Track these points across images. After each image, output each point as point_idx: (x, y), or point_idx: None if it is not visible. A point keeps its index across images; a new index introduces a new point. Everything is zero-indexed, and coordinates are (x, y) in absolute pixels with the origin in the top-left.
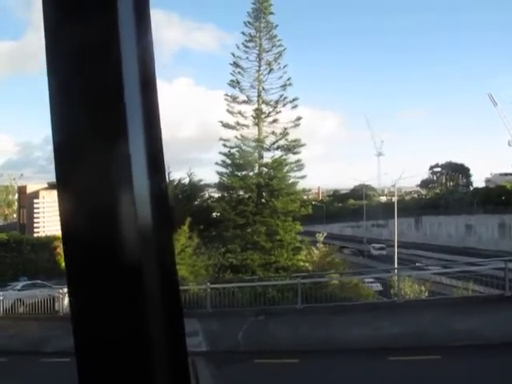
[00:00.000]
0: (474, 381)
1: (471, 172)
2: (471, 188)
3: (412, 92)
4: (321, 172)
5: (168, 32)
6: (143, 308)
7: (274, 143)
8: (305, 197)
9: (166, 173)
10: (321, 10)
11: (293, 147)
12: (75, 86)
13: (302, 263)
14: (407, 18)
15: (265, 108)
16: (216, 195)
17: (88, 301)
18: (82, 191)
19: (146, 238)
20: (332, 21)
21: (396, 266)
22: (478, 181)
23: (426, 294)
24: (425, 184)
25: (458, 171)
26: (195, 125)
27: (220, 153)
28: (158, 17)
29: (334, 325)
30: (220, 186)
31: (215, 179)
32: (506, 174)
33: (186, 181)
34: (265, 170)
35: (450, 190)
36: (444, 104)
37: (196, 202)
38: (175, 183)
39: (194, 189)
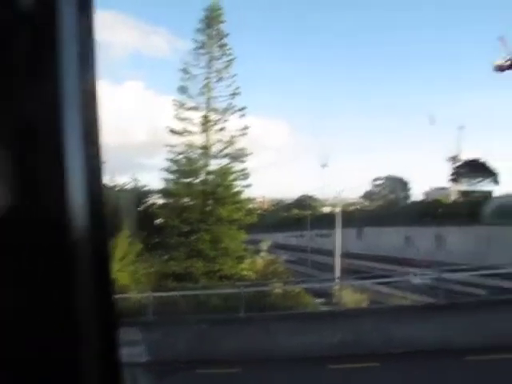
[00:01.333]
0: None
1: (410, 185)
2: (410, 201)
3: (359, 107)
4: (266, 181)
5: (124, 33)
6: (75, 318)
7: (220, 151)
8: (250, 205)
9: (110, 177)
10: (270, 19)
11: (239, 156)
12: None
13: (245, 272)
14: (358, 31)
15: (213, 116)
16: (161, 202)
17: (14, 311)
18: (12, 194)
19: (80, 244)
20: (283, 32)
21: (337, 275)
22: (417, 194)
23: (367, 303)
24: (367, 196)
25: (398, 184)
26: (144, 129)
27: (166, 159)
28: (114, 17)
29: (277, 334)
30: (165, 193)
31: (161, 185)
32: (442, 188)
33: (130, 186)
34: (211, 177)
35: (390, 202)
36: (386, 117)
37: (140, 208)
38: (118, 188)
39: (137, 194)
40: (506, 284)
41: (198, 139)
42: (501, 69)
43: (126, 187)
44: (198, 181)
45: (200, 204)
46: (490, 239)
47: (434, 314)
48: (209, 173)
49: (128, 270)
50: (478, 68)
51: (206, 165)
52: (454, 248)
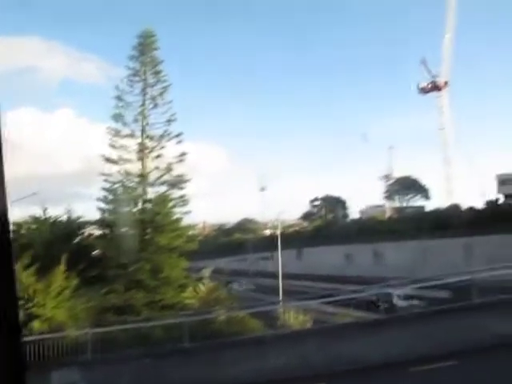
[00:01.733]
0: None
1: (347, 204)
2: (348, 219)
3: (295, 130)
4: (206, 207)
5: (52, 60)
6: None
7: (158, 178)
8: (190, 232)
9: (42, 209)
10: (204, 47)
11: (177, 182)
12: None
13: (188, 300)
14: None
15: (149, 143)
16: (98, 232)
17: None
18: None
19: None
20: (217, 57)
21: (281, 297)
22: (354, 212)
23: (311, 324)
24: (306, 216)
25: (335, 204)
26: (77, 158)
27: (102, 188)
28: (41, 44)
29: (222, 361)
30: (102, 223)
31: (97, 216)
32: (378, 206)
33: (64, 218)
34: (149, 205)
35: (329, 222)
36: (321, 139)
37: (75, 241)
38: (52, 221)
39: (72, 226)
40: (443, 294)
41: (135, 167)
42: (424, 91)
43: (60, 219)
44: (135, 209)
45: (139, 233)
46: (425, 252)
47: (377, 329)
48: (147, 201)
49: (64, 306)
50: (405, 90)
51: (144, 193)
52: (392, 263)
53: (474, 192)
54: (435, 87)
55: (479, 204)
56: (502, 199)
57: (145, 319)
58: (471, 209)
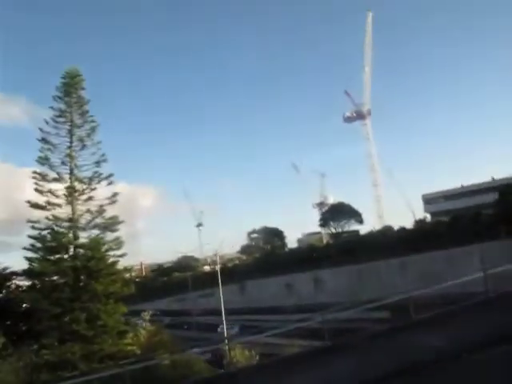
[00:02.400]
0: None
1: (285, 234)
2: (286, 249)
3: (228, 163)
4: (143, 247)
5: None
6: None
7: (89, 222)
8: (127, 275)
9: None
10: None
11: (110, 225)
12: None
13: (129, 347)
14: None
15: (78, 185)
16: (26, 284)
17: None
18: None
19: None
20: (143, 98)
21: (226, 334)
22: (291, 242)
23: (257, 358)
24: (244, 249)
25: (272, 235)
26: (2, 205)
27: (29, 236)
28: None
29: None
30: (30, 273)
31: (25, 265)
32: (314, 233)
33: None
34: (81, 251)
35: (267, 253)
36: (256, 173)
37: (1, 294)
38: None
39: None
40: (382, 314)
41: (64, 212)
42: (349, 120)
43: None
44: (66, 256)
45: (71, 281)
46: (363, 274)
47: (325, 356)
48: (79, 246)
49: None
50: (334, 120)
51: (76, 238)
52: (333, 289)
53: (403, 212)
54: (360, 116)
55: (409, 223)
56: (428, 217)
57: (82, 373)
58: (402, 229)
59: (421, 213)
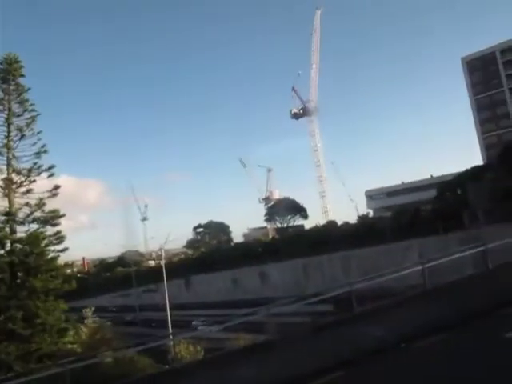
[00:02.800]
0: None
1: (230, 229)
2: (232, 244)
3: (174, 157)
4: (85, 241)
5: None
6: None
7: (28, 216)
8: (69, 270)
9: None
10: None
11: (51, 219)
12: None
13: (69, 346)
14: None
15: (16, 177)
16: None
17: None
18: None
19: None
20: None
21: (170, 329)
22: (237, 236)
23: (202, 353)
24: (190, 244)
25: (218, 229)
26: None
27: None
28: None
29: None
30: None
31: None
32: (260, 228)
33: None
34: (19, 246)
35: (213, 248)
36: (203, 167)
37: None
38: None
39: None
40: (327, 307)
41: (0, 205)
42: (296, 116)
43: None
44: (3, 251)
45: (8, 277)
46: (308, 268)
47: (270, 349)
48: (16, 241)
49: None
50: (281, 116)
51: (13, 232)
52: (278, 283)
53: (347, 207)
54: (306, 112)
55: (352, 219)
56: (371, 213)
57: (18, 375)
58: (346, 224)
59: (364, 208)
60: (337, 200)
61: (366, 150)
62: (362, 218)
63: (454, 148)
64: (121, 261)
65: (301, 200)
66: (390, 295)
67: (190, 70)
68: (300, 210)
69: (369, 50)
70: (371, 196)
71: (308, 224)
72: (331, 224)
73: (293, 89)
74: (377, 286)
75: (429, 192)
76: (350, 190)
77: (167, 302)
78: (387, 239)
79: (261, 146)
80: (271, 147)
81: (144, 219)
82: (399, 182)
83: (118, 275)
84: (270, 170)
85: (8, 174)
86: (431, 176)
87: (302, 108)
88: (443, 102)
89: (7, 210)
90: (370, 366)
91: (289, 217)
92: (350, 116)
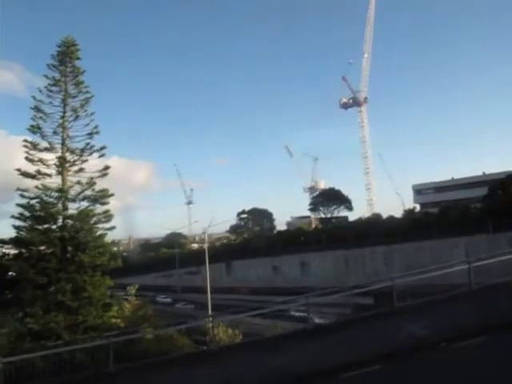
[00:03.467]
0: None
1: (274, 216)
2: (275, 231)
3: (221, 142)
4: (132, 221)
5: None
6: None
7: (79, 194)
8: (115, 248)
9: None
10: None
11: (100, 197)
12: None
13: (113, 320)
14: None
15: (69, 156)
16: (13, 252)
17: None
18: None
19: None
20: (140, 73)
21: (210, 312)
22: (281, 224)
23: (240, 337)
24: (233, 229)
25: (262, 216)
26: None
27: (17, 204)
28: None
29: (150, 383)
30: (17, 242)
31: (13, 234)
32: (303, 217)
33: None
34: (70, 222)
35: (256, 234)
36: (250, 154)
37: None
38: None
39: None
40: (365, 301)
41: (54, 182)
42: (345, 106)
43: None
44: (55, 227)
45: (58, 252)
46: (349, 261)
47: (306, 338)
48: (67, 217)
49: None
50: (329, 106)
51: (65, 209)
52: (318, 272)
53: (393, 201)
54: (356, 102)
55: (398, 213)
56: (418, 208)
57: (66, 343)
58: (391, 218)
59: (410, 203)
60: (383, 193)
61: (416, 144)
62: (408, 213)
63: (508, 146)
64: (165, 242)
65: (346, 191)
66: (433, 293)
67: (241, 56)
68: (345, 201)
69: (423, 47)
70: (419, 190)
71: (352, 216)
72: (376, 217)
73: (343, 78)
74: (419, 283)
75: (480, 189)
76: (396, 183)
77: (208, 284)
78: (433, 235)
79: (308, 135)
80: (318, 136)
81: (189, 203)
82: (449, 178)
83: (161, 256)
84: (316, 160)
85: (62, 152)
86: (483, 173)
87: (351, 98)
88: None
89: (60, 187)
90: (407, 362)
91: (333, 207)
92: (401, 110)
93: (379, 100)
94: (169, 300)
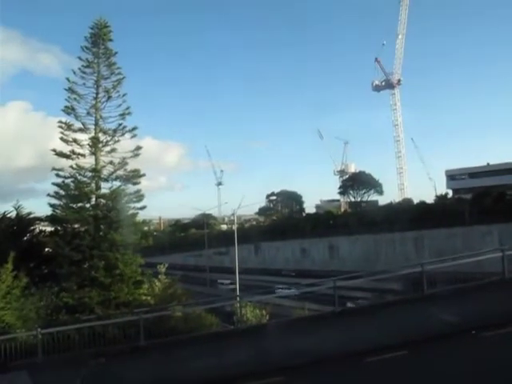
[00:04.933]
0: None
1: (303, 199)
2: (304, 214)
3: (251, 124)
4: (162, 202)
5: (7, 50)
6: None
7: (112, 173)
8: (146, 228)
9: None
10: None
11: (132, 177)
12: None
13: (143, 297)
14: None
15: (102, 137)
16: (49, 229)
17: None
18: None
19: None
20: (174, 53)
21: (238, 292)
22: (310, 207)
23: (267, 318)
24: (263, 211)
25: (291, 199)
26: (33, 152)
27: (53, 183)
28: None
29: (179, 359)
30: (53, 220)
31: (49, 212)
32: (333, 200)
33: (13, 214)
34: (102, 201)
35: (285, 217)
36: (280, 137)
37: (25, 238)
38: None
39: (22, 223)
40: (394, 286)
41: (88, 162)
42: (378, 88)
43: (9, 215)
44: (88, 205)
45: (92, 229)
46: (378, 245)
47: (333, 321)
48: (100, 196)
49: (13, 306)
50: (361, 88)
51: (98, 188)
52: (346, 256)
53: (425, 186)
54: (388, 85)
55: (430, 198)
56: (450, 194)
57: (99, 318)
58: (422, 203)
59: (443, 188)
60: (414, 178)
61: (450, 128)
62: (440, 198)
63: None
64: (195, 222)
65: (377, 175)
66: (464, 280)
67: (277, 38)
68: (375, 186)
69: (458, 29)
70: (452, 176)
71: (382, 200)
72: (407, 202)
73: (376, 60)
74: (450, 269)
75: None
76: (429, 168)
77: (236, 265)
78: (465, 222)
79: (339, 118)
80: (350, 119)
81: (219, 184)
82: (484, 163)
83: (191, 236)
84: (346, 143)
85: (95, 133)
86: None
87: (384, 80)
88: None
89: (93, 166)
90: (435, 348)
91: (363, 191)
92: (435, 93)
93: (413, 82)
94: (231, 286)
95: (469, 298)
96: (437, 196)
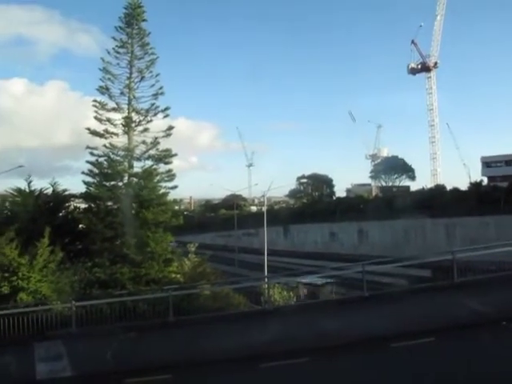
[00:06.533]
0: (339, 380)
1: (334, 183)
2: (334, 197)
3: (283, 106)
4: (193, 182)
5: (49, 30)
6: None
7: (144, 153)
8: (176, 207)
9: (27, 181)
10: (195, 21)
11: (164, 157)
12: None
13: (173, 275)
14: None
15: (135, 116)
16: (83, 206)
17: None
18: None
19: None
20: (206, 34)
21: (266, 273)
22: (340, 191)
23: (295, 300)
24: (292, 194)
25: (322, 182)
26: (69, 131)
27: (87, 161)
28: (40, 13)
29: (207, 336)
30: (87, 197)
31: (83, 189)
32: (364, 185)
33: (50, 191)
34: (135, 180)
35: (315, 200)
36: (312, 119)
37: (60, 214)
38: (36, 193)
39: (57, 199)
40: (423, 273)
41: (121, 141)
42: (413, 71)
43: (45, 192)
44: (121, 184)
45: (124, 207)
46: (408, 232)
47: (360, 305)
48: (132, 175)
49: (49, 279)
50: (395, 70)
51: (130, 167)
52: (376, 241)
53: (459, 173)
54: (425, 68)
55: (463, 185)
56: (485, 181)
57: (130, 293)
58: (456, 190)
59: (478, 176)
60: (448, 164)
61: (487, 114)
62: (475, 186)
63: None
64: (225, 203)
65: (410, 160)
66: (497, 270)
67: (310, 22)
68: (408, 171)
69: (500, 16)
70: (488, 163)
71: (414, 186)
72: (439, 188)
73: (412, 42)
74: (482, 258)
75: None
76: (463, 154)
77: (265, 246)
78: (500, 211)
79: (373, 101)
80: (383, 103)
81: (250, 165)
82: None
83: (221, 217)
84: (379, 127)
85: (128, 113)
86: None
87: (420, 63)
88: None
89: (126, 146)
90: (463, 337)
91: (395, 176)
92: (472, 79)
93: (451, 66)
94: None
95: (501, 288)
96: (471, 183)
